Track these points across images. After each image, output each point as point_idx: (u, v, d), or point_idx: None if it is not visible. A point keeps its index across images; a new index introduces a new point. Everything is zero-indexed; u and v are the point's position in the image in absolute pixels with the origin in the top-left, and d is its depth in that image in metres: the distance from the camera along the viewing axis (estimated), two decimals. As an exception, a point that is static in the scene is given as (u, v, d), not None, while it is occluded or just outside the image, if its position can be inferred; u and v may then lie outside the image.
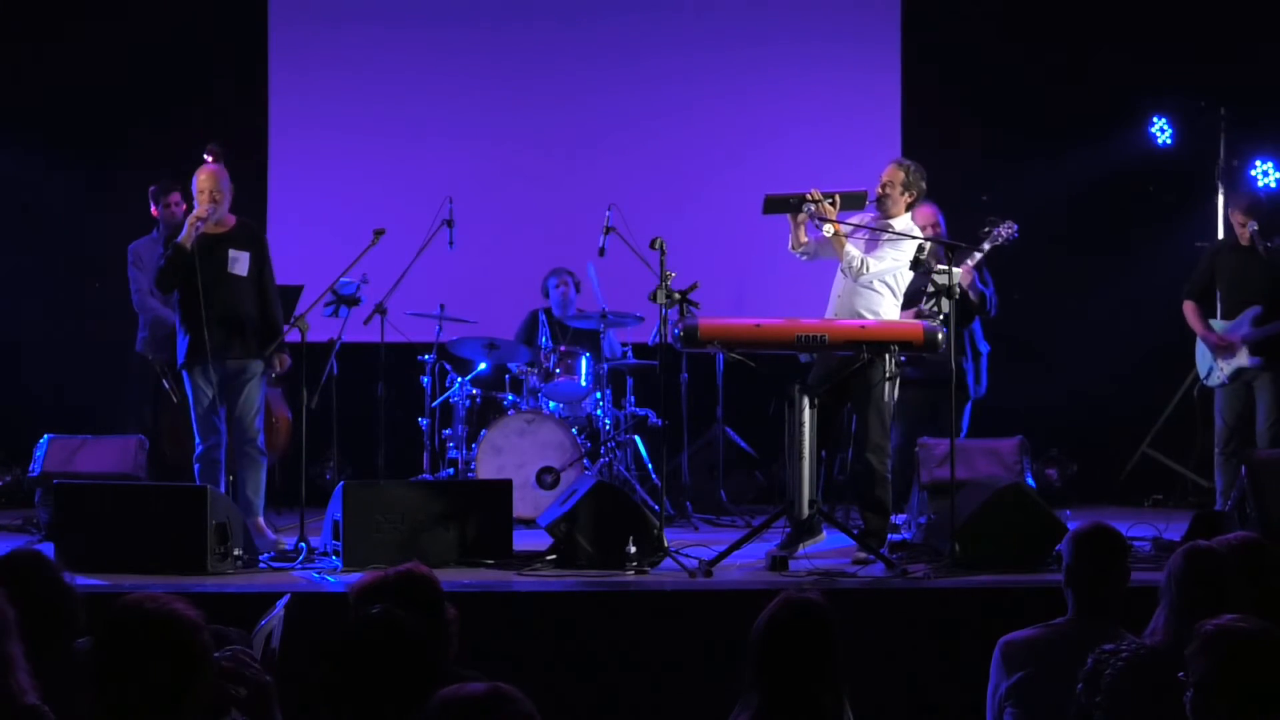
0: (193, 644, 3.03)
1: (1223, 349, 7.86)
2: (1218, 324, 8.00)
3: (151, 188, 8.77)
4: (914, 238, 7.12)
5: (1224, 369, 7.88)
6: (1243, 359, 7.81)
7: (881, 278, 7.14)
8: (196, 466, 7.41)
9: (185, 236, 7.34)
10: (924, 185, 7.30)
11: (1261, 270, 7.89)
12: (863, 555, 6.89)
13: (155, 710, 2.98)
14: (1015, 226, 7.86)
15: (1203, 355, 8.05)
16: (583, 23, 10.21)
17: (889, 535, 7.27)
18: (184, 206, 8.73)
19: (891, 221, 7.18)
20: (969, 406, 8.26)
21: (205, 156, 8.49)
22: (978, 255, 7.83)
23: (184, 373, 7.47)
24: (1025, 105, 10.12)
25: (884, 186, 7.24)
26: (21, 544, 7.40)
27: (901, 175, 7.24)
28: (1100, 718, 3.60)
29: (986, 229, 7.89)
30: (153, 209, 8.73)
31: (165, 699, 2.99)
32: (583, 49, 10.18)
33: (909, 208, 7.28)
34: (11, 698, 3.03)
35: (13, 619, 3.21)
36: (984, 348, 8.41)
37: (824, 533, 7.10)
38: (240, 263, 7.46)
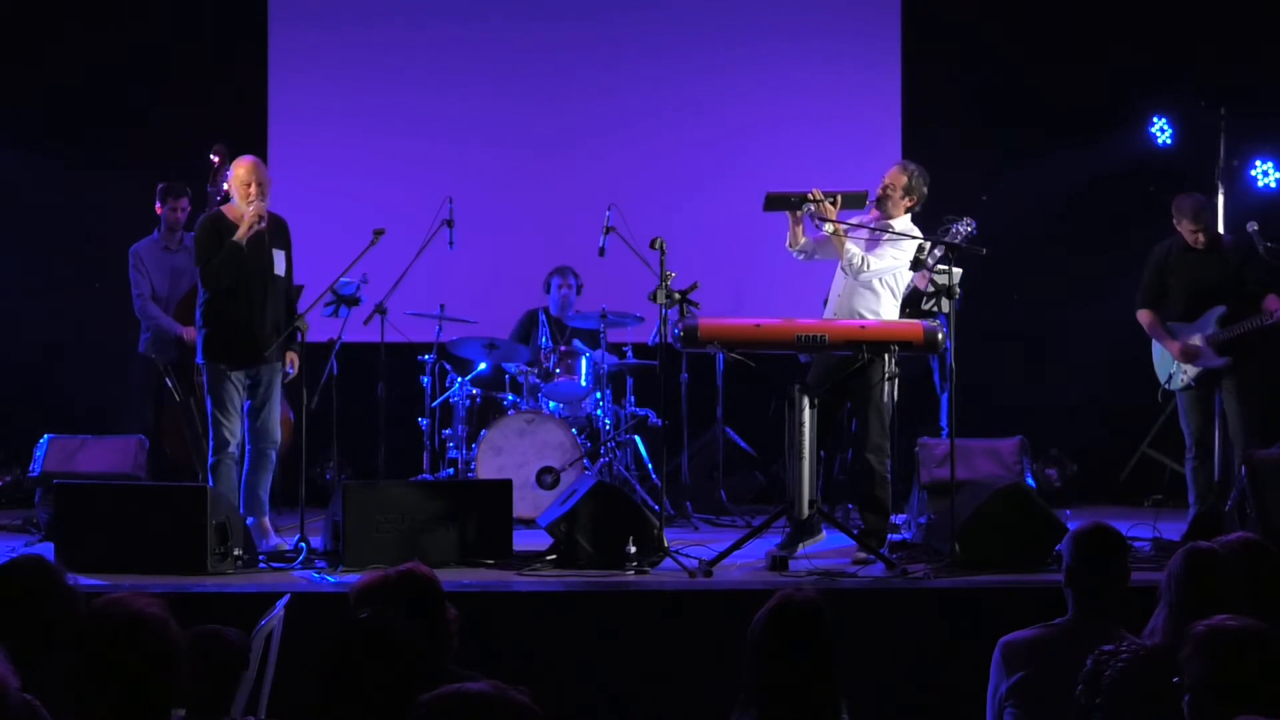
0: (162, 642, 3.05)
1: (1187, 355, 7.75)
2: (1174, 326, 7.89)
3: (160, 185, 8.77)
4: (914, 238, 7.12)
5: (1188, 372, 7.79)
6: (1210, 360, 7.72)
7: (881, 277, 7.14)
8: (211, 475, 7.19)
9: (241, 235, 7.14)
10: (926, 190, 7.30)
11: (1219, 269, 7.80)
12: (863, 555, 6.89)
13: (131, 710, 3.01)
14: (974, 224, 7.81)
15: (1161, 361, 7.95)
16: (582, 23, 10.20)
17: (889, 535, 7.28)
18: (189, 211, 8.74)
19: (891, 222, 7.18)
20: (944, 402, 8.24)
21: (211, 157, 8.50)
22: (937, 253, 7.75)
23: (209, 369, 7.25)
24: (1025, 105, 10.11)
25: (885, 188, 7.24)
26: (22, 546, 7.42)
27: (904, 179, 7.24)
28: (1100, 718, 3.60)
29: (945, 226, 7.84)
30: (157, 206, 8.74)
31: (138, 698, 3.01)
32: (582, 49, 10.17)
33: (909, 211, 7.28)
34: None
35: None
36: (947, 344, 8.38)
37: (824, 532, 7.11)
38: (279, 261, 7.34)
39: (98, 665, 3.02)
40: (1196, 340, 7.72)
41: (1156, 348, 7.97)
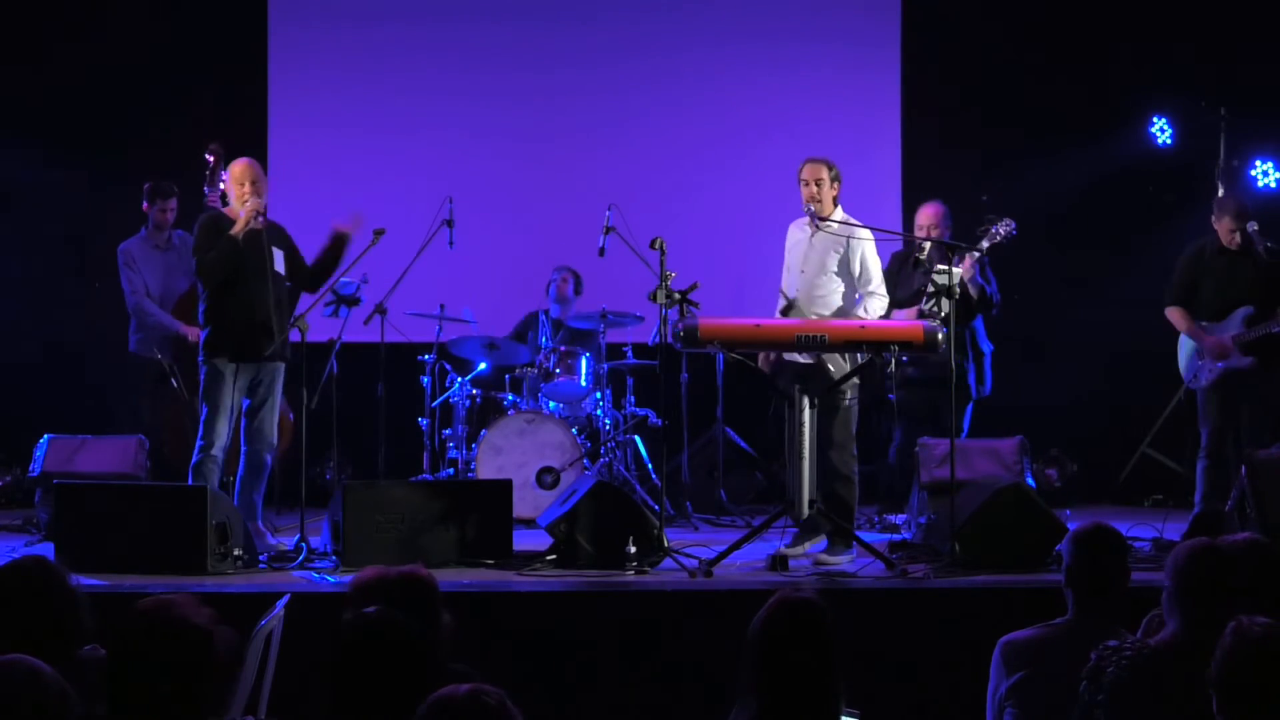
0: (205, 648, 3.07)
1: (1219, 352, 7.78)
2: (1203, 325, 7.92)
3: (146, 185, 8.76)
4: (866, 226, 7.18)
5: (1212, 371, 7.82)
6: (1237, 359, 7.76)
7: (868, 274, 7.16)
8: (192, 474, 7.12)
9: (238, 230, 7.13)
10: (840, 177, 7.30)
11: (1251, 271, 7.83)
12: (830, 557, 6.90)
13: (169, 713, 3.02)
14: (1013, 224, 7.83)
15: (1187, 358, 7.98)
16: (582, 22, 10.20)
17: (888, 535, 7.28)
18: (177, 212, 8.74)
19: (832, 218, 7.14)
20: (970, 407, 8.26)
21: (206, 157, 8.49)
22: (976, 253, 7.80)
23: (208, 367, 7.21)
24: (1025, 105, 10.11)
25: (811, 187, 7.19)
26: (22, 546, 7.42)
27: (822, 170, 7.22)
28: (1102, 716, 3.59)
29: (985, 226, 7.86)
30: (144, 204, 8.74)
31: (179, 701, 3.02)
32: (582, 48, 10.17)
33: (836, 201, 7.25)
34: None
35: None
36: (986, 347, 8.41)
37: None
38: (278, 260, 7.33)
39: (141, 665, 3.04)
40: (1226, 338, 7.78)
41: (1183, 345, 8.01)
